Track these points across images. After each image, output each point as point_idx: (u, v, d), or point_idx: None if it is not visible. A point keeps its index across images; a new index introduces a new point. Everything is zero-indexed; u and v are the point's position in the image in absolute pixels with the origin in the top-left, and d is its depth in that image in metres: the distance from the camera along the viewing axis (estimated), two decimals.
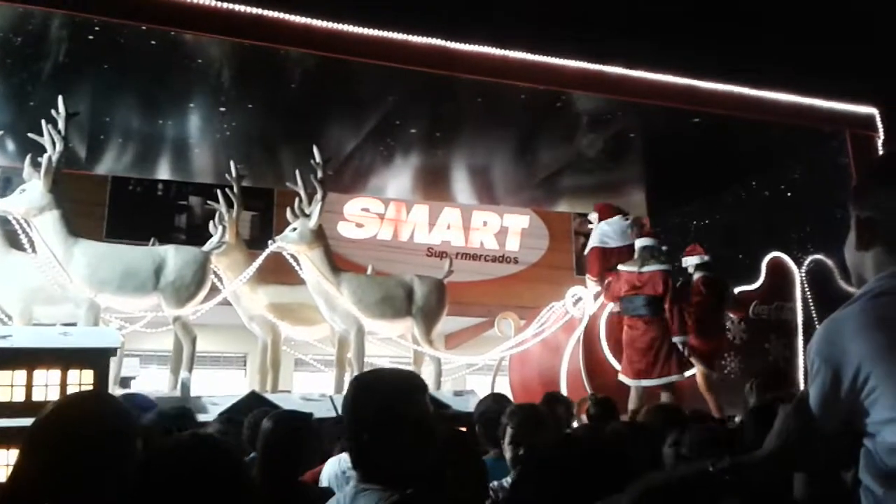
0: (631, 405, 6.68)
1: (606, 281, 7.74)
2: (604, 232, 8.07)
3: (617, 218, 8.16)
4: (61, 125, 6.11)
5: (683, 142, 9.86)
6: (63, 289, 6.06)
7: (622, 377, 7.24)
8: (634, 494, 1.48)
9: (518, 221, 12.38)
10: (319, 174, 6.87)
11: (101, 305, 6.17)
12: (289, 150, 9.75)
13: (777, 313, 8.71)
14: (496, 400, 4.06)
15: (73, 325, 5.89)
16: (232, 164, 7.31)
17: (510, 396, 5.24)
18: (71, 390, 4.23)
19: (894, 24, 9.67)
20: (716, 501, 1.52)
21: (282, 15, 8.06)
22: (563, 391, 6.95)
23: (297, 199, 6.95)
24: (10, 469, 1.80)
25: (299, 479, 3.14)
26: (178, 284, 6.35)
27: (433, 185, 11.70)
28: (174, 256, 6.43)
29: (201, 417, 4.80)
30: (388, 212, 11.82)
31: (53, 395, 4.18)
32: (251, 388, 6.57)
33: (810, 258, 9.05)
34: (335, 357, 7.17)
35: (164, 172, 10.97)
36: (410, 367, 7.20)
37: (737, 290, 8.44)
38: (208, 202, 7.64)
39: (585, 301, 7.97)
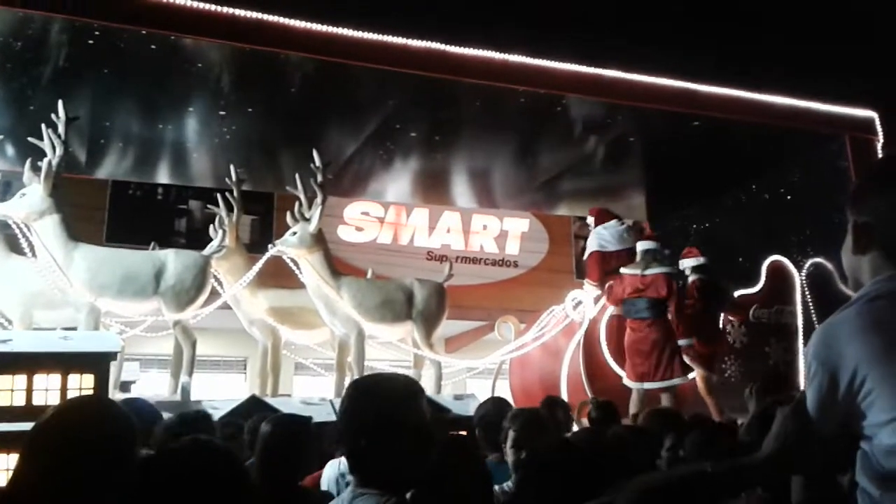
0: (632, 409, 6.69)
1: (608, 284, 7.75)
2: (601, 236, 8.08)
3: (613, 222, 8.17)
4: (61, 129, 6.13)
5: (683, 145, 9.87)
6: (63, 293, 6.06)
7: (627, 382, 7.24)
8: (633, 495, 1.48)
9: (518, 225, 12.39)
10: (319, 178, 6.88)
11: (101, 309, 6.18)
12: (289, 153, 9.77)
13: (777, 317, 8.71)
14: (496, 404, 4.05)
15: (74, 329, 5.90)
16: (232, 168, 7.31)
17: (510, 400, 5.24)
18: (71, 395, 4.22)
19: (894, 28, 9.69)
20: (714, 503, 1.52)
21: (281, 19, 8.09)
22: (564, 395, 6.94)
23: (297, 203, 6.96)
24: (11, 473, 1.79)
25: (299, 483, 3.14)
26: (178, 288, 6.36)
27: (433, 188, 11.71)
28: (174, 260, 6.44)
29: None
30: (388, 215, 11.84)
31: (54, 400, 4.17)
32: (251, 392, 6.55)
33: (810, 261, 9.03)
34: (335, 361, 7.18)
35: (164, 176, 10.98)
36: (411, 371, 7.21)
37: (737, 293, 8.44)
38: (208, 206, 7.63)
39: (585, 305, 7.98)
